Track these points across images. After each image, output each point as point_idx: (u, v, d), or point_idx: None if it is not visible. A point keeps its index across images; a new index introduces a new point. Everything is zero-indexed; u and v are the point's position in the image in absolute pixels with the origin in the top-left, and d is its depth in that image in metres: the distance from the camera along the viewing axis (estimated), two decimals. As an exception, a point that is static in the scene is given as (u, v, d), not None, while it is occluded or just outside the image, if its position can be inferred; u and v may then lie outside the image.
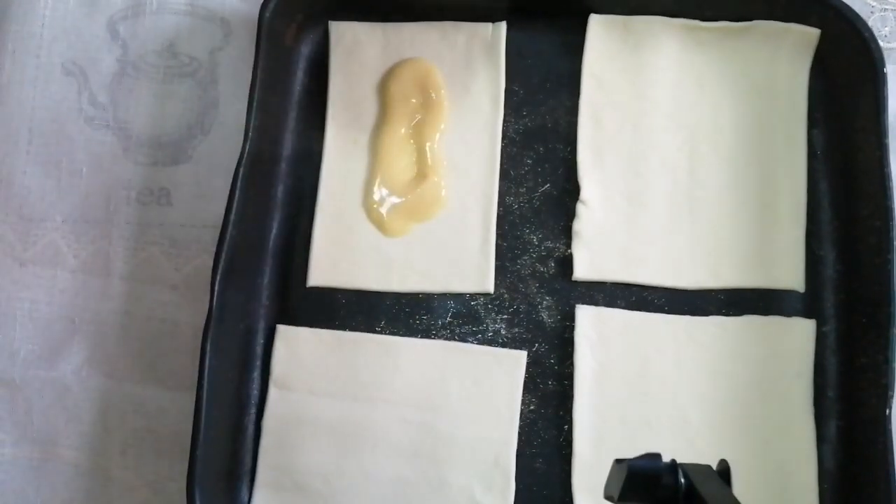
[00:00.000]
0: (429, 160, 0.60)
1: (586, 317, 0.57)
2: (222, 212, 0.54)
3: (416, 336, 0.57)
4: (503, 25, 0.61)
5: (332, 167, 0.60)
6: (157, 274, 0.60)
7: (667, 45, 0.61)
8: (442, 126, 0.60)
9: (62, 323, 0.60)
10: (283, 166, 0.60)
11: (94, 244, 0.61)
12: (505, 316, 0.58)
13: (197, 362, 0.53)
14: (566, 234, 0.58)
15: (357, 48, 0.62)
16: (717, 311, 0.57)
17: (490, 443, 0.55)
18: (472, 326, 0.57)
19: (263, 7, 0.58)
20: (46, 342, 0.59)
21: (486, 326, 0.58)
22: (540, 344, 0.57)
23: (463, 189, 0.59)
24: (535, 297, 0.58)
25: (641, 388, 0.56)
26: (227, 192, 0.55)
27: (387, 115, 0.60)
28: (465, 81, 0.61)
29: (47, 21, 0.64)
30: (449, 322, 0.58)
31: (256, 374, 0.57)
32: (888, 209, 0.54)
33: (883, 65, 0.56)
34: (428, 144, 0.60)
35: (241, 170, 0.55)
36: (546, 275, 0.58)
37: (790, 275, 0.57)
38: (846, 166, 0.58)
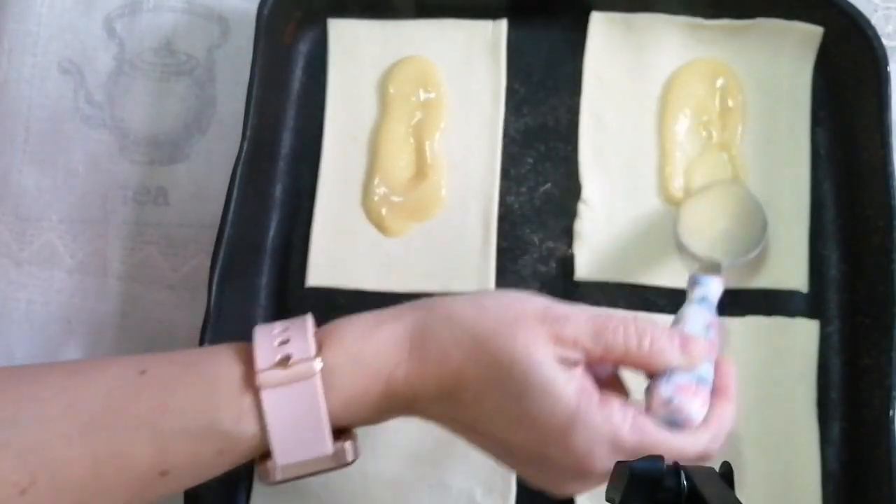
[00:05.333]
0: (429, 159, 0.59)
1: (587, 317, 0.56)
2: (220, 211, 0.54)
3: (416, 336, 0.57)
4: (504, 23, 0.61)
5: (330, 166, 0.60)
6: (154, 274, 0.60)
7: (669, 43, 0.60)
8: (442, 125, 0.60)
9: (59, 324, 0.59)
10: (282, 165, 0.60)
11: (90, 244, 0.60)
12: (505, 316, 0.57)
13: (194, 363, 0.53)
14: (567, 234, 0.58)
15: (356, 46, 0.61)
16: (720, 311, 0.56)
17: (490, 444, 0.54)
18: (472, 327, 0.57)
19: (262, 5, 0.58)
20: (43, 343, 0.59)
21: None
22: (540, 344, 0.57)
23: (463, 188, 0.59)
24: (535, 298, 0.57)
25: (642, 389, 0.55)
26: (225, 192, 0.55)
27: (386, 113, 0.60)
28: (465, 80, 0.61)
29: (44, 19, 0.64)
30: (449, 322, 0.57)
31: (254, 375, 0.57)
32: (892, 208, 0.53)
33: (886, 63, 0.55)
34: (428, 143, 0.59)
35: (239, 169, 0.55)
36: (547, 275, 0.58)
37: (793, 275, 0.56)
38: (849, 165, 0.58)
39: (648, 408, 0.41)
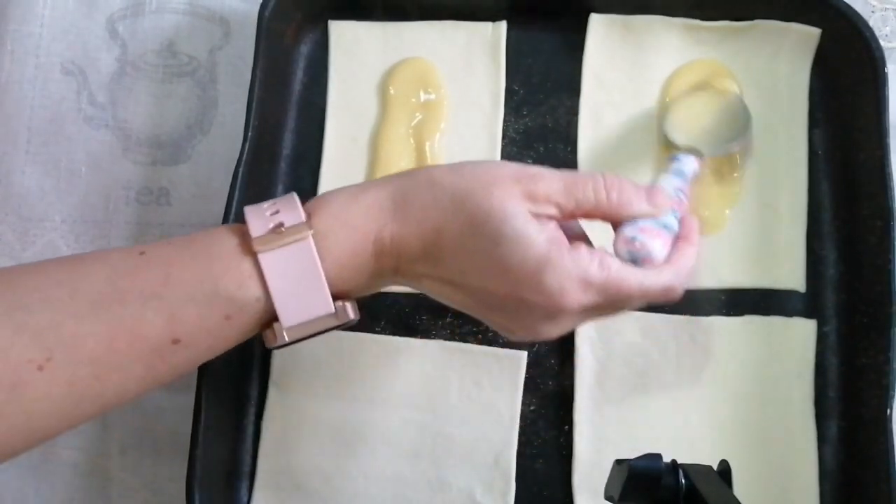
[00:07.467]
0: (429, 160, 0.59)
1: (587, 317, 0.57)
2: (222, 211, 0.54)
3: (416, 336, 0.57)
4: (503, 25, 0.61)
5: (331, 167, 0.60)
6: (156, 274, 0.60)
7: (667, 44, 0.60)
8: (442, 125, 0.60)
9: (61, 323, 0.60)
10: (283, 166, 0.60)
11: (93, 244, 0.61)
12: (505, 316, 0.57)
13: (196, 362, 0.53)
14: (566, 234, 0.58)
15: (357, 47, 0.62)
16: (718, 311, 0.57)
17: (490, 443, 0.55)
18: (472, 326, 0.57)
19: (263, 6, 0.58)
20: (45, 342, 0.59)
21: (487, 326, 0.57)
22: (540, 344, 0.57)
23: (463, 189, 0.59)
24: (535, 297, 0.58)
25: (641, 388, 0.56)
26: (227, 192, 0.55)
27: (386, 114, 0.60)
28: (465, 81, 0.61)
29: (46, 21, 0.64)
30: (449, 322, 0.57)
31: (256, 374, 0.57)
32: (889, 209, 0.54)
33: (884, 64, 0.56)
34: (428, 144, 0.60)
35: (241, 169, 0.55)
36: (546, 275, 0.58)
37: (791, 275, 0.57)
38: (847, 166, 0.58)
39: (614, 249, 0.44)
